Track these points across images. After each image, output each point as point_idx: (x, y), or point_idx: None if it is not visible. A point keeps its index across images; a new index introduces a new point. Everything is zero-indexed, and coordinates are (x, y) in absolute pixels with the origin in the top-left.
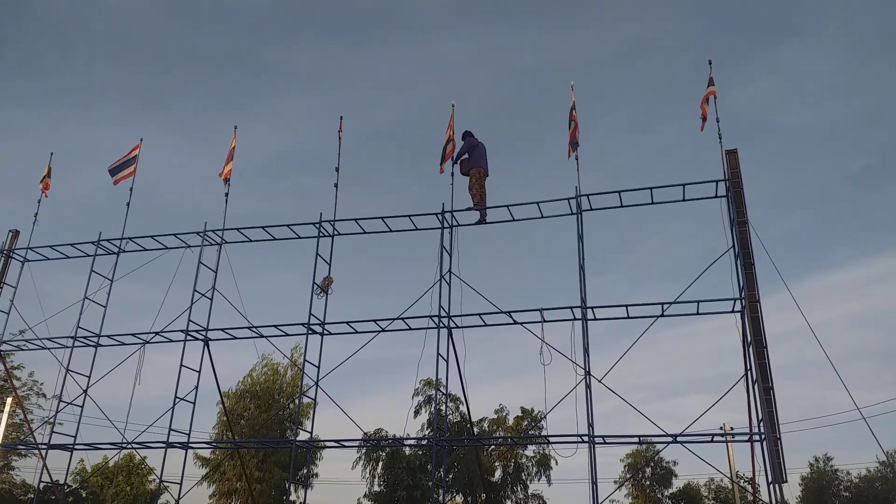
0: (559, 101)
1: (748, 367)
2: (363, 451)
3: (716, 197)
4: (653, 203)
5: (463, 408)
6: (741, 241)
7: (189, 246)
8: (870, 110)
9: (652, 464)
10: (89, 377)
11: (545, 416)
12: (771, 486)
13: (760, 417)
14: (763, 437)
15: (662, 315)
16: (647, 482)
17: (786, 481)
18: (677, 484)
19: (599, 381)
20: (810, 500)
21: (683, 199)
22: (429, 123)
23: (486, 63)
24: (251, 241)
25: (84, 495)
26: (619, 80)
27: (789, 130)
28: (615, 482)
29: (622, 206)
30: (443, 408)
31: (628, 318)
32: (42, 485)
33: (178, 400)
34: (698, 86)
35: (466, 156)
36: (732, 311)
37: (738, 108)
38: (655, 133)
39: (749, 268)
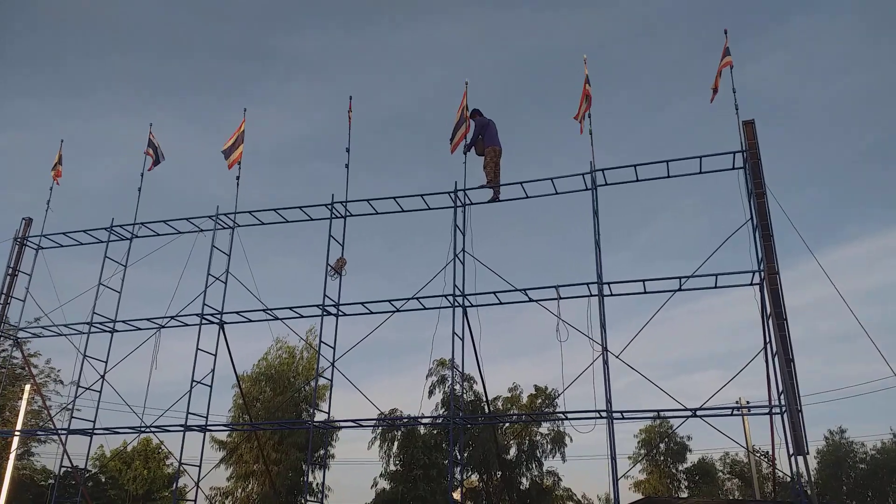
0: (571, 81)
1: (767, 340)
2: (378, 431)
3: (733, 169)
4: (669, 176)
5: (477, 387)
6: (760, 213)
7: (202, 230)
8: (878, 86)
9: (666, 439)
10: (106, 363)
11: (561, 394)
12: (792, 458)
13: (781, 390)
14: (784, 409)
15: (680, 289)
16: (662, 458)
17: (808, 453)
18: (692, 459)
19: (617, 357)
20: (827, 473)
21: (700, 172)
22: (438, 106)
23: (494, 44)
24: (263, 223)
25: (103, 480)
26: (631, 59)
27: (799, 106)
28: (629, 458)
29: (638, 181)
30: (458, 387)
31: (645, 293)
32: (62, 470)
33: (195, 383)
34: (710, 62)
35: (480, 137)
36: (751, 284)
37: (749, 84)
38: (669, 111)
39: (768, 239)
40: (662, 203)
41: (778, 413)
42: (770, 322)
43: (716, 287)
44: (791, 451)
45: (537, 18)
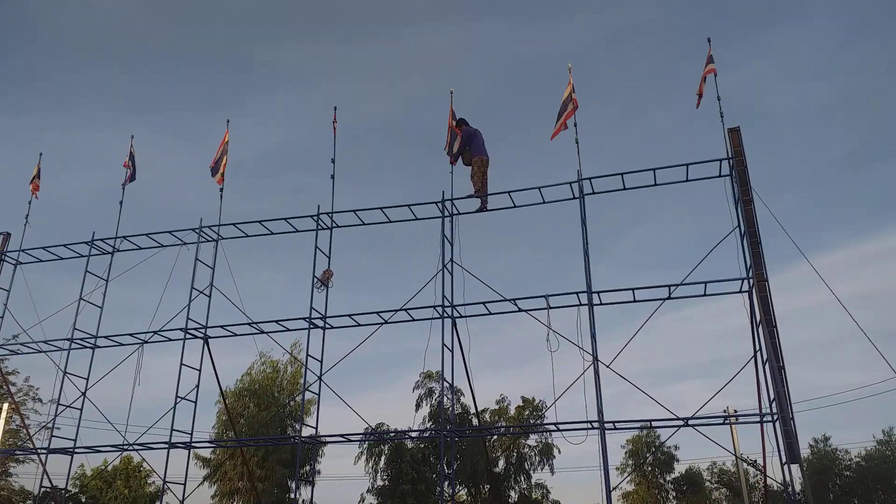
0: (554, 89)
1: (758, 348)
2: (365, 445)
3: (720, 176)
4: (656, 184)
5: (464, 400)
6: (747, 220)
7: (185, 243)
8: (854, 92)
9: (654, 449)
10: (87, 379)
11: (552, 404)
12: (785, 467)
13: (773, 398)
14: (776, 416)
15: (670, 297)
16: (649, 468)
17: (800, 461)
18: (679, 469)
19: (608, 367)
20: (813, 481)
21: (687, 180)
22: (421, 116)
23: (475, 55)
24: (248, 235)
25: (83, 500)
26: (613, 67)
27: (778, 113)
28: (617, 469)
29: (625, 189)
30: (447, 398)
31: (635, 301)
32: (42, 490)
33: (179, 399)
34: (693, 69)
35: (468, 147)
36: (740, 292)
37: (729, 92)
38: (652, 119)
39: (756, 246)
40: (646, 212)
41: (770, 421)
42: (760, 329)
43: (705, 295)
44: (784, 460)
45: (520, 28)
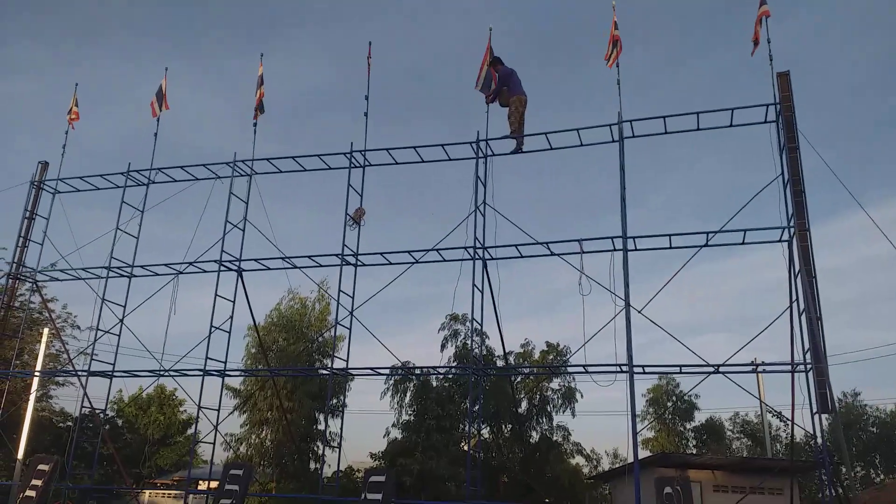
0: (595, 31)
1: (794, 298)
2: (392, 382)
3: (765, 122)
4: (698, 129)
5: (489, 342)
6: (792, 168)
7: (219, 177)
8: None
9: (674, 397)
10: (124, 307)
11: (581, 347)
12: (815, 417)
13: (807, 348)
14: (809, 366)
15: (707, 245)
16: (669, 416)
17: (832, 411)
18: (699, 418)
19: (639, 312)
20: (838, 434)
21: (731, 125)
22: (458, 57)
23: None
24: (281, 171)
25: (120, 424)
26: (659, 9)
27: (826, 65)
28: (637, 416)
29: (666, 133)
30: (475, 338)
31: (671, 248)
32: (83, 410)
33: (214, 329)
34: (743, 15)
35: (505, 87)
36: (780, 241)
37: (779, 40)
38: (692, 67)
39: (799, 195)
40: (681, 162)
41: (801, 371)
42: (798, 280)
43: (743, 243)
44: (815, 409)
45: None
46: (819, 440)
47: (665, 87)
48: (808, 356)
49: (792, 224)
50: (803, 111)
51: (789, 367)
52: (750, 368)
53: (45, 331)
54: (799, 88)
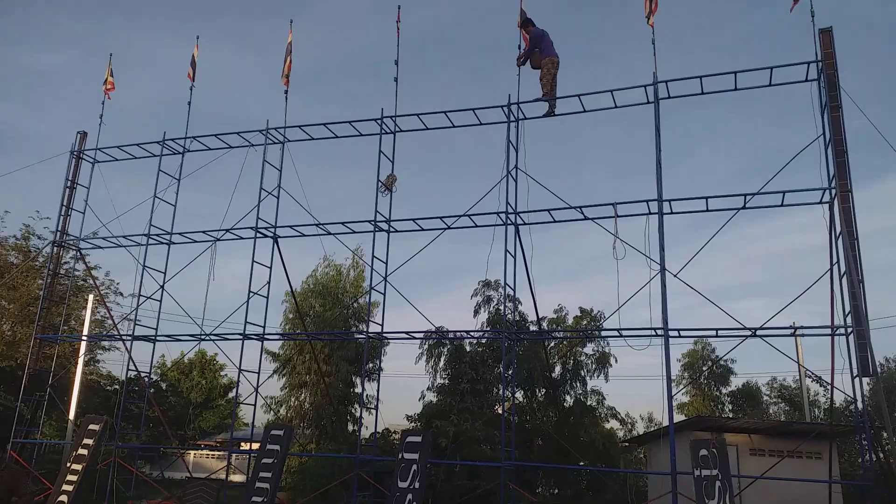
0: None
1: (835, 261)
2: (426, 346)
3: (806, 80)
4: (736, 89)
5: (521, 308)
6: (834, 127)
7: (252, 144)
8: None
9: (710, 362)
10: (165, 273)
11: (616, 311)
12: (855, 381)
13: (848, 311)
14: (850, 329)
15: (745, 207)
16: (705, 381)
17: (874, 374)
18: (735, 383)
19: (675, 276)
20: (878, 399)
21: (770, 84)
22: (486, 19)
23: None
24: (313, 138)
25: (163, 388)
26: None
27: (867, 22)
28: (672, 380)
29: (703, 94)
30: (508, 304)
31: (707, 210)
32: (129, 374)
33: (252, 294)
34: None
35: (537, 49)
36: (821, 202)
37: None
38: (734, 25)
39: (841, 155)
40: (717, 126)
41: (842, 335)
42: (840, 242)
43: (782, 205)
44: (856, 373)
45: None
46: (859, 404)
47: (700, 47)
48: (848, 319)
49: (833, 185)
50: (844, 69)
51: (829, 331)
52: (789, 332)
53: (90, 297)
54: (841, 45)
